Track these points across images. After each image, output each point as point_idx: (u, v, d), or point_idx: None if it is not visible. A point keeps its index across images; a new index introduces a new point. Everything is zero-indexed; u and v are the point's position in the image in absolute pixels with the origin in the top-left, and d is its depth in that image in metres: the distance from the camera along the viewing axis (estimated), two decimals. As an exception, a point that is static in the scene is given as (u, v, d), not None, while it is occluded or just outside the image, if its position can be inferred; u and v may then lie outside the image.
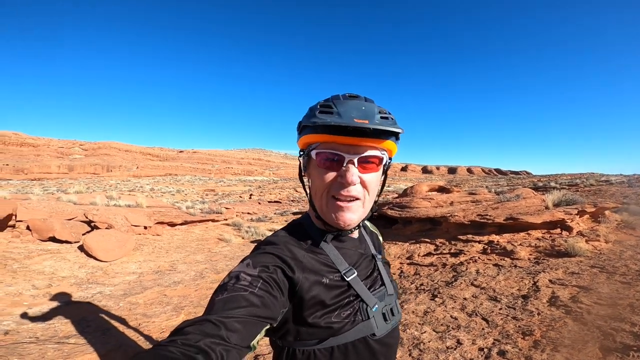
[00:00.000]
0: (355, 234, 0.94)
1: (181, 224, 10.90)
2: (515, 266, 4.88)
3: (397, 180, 67.15)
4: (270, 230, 12.94)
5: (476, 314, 3.51)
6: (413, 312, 3.88)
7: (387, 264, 1.05)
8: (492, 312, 3.50)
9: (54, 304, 4.34)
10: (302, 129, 0.81)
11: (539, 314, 3.27)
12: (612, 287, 3.62)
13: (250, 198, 42.56)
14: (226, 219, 13.55)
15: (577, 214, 6.32)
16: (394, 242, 7.14)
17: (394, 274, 5.70)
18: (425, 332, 3.30)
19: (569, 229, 5.92)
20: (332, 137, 0.75)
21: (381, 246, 1.12)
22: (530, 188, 16.65)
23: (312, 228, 0.87)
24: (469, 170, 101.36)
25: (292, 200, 37.48)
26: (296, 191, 50.59)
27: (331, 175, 0.78)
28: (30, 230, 6.59)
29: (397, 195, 11.97)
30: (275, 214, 24.23)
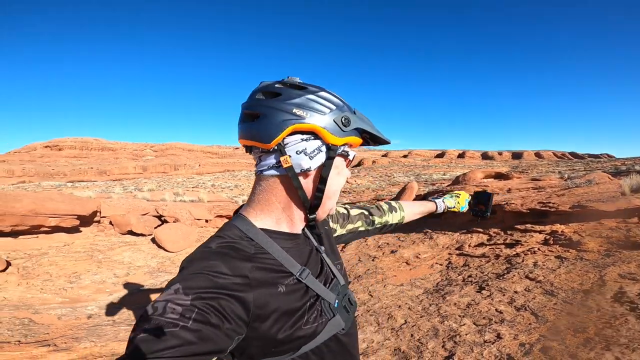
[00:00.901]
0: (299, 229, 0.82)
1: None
2: (582, 259, 4.44)
3: (453, 168, 63.44)
4: None
5: (525, 309, 3.30)
6: (455, 304, 3.76)
7: (333, 253, 0.92)
8: (545, 307, 3.27)
9: (130, 290, 5.04)
10: (348, 127, 0.74)
11: (598, 310, 2.99)
12: (697, 283, 3.14)
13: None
14: None
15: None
16: (442, 232, 6.90)
17: (441, 264, 5.54)
18: (464, 324, 3.19)
19: (650, 218, 5.17)
20: (361, 140, 0.80)
21: (329, 235, 0.97)
22: (610, 172, 14.65)
23: (253, 231, 0.72)
24: (538, 155, 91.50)
25: (342, 192, 37.42)
26: (347, 182, 50.34)
27: (347, 172, 0.82)
28: (112, 224, 7.63)
29: (448, 184, 11.44)
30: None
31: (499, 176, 9.53)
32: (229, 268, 0.62)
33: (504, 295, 3.75)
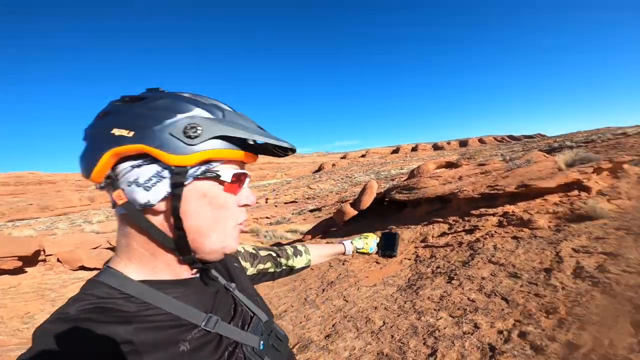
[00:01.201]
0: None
1: None
2: (535, 237, 4.56)
3: (408, 162, 66.21)
4: (289, 232, 13.01)
5: (495, 294, 3.28)
6: (429, 298, 3.70)
7: (248, 287, 0.79)
8: (513, 290, 3.26)
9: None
10: (199, 138, 0.53)
11: (563, 288, 2.99)
12: (641, 249, 3.28)
13: (266, 202, 43.00)
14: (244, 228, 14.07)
15: (593, 172, 5.90)
16: (406, 226, 6.93)
17: (409, 259, 5.51)
18: (440, 318, 3.14)
19: (587, 190, 5.51)
20: (241, 152, 0.59)
21: (238, 271, 0.84)
22: (545, 150, 15.98)
23: (129, 285, 0.56)
24: (481, 141, 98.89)
25: (307, 198, 37.56)
26: (310, 188, 50.66)
27: (237, 198, 0.63)
28: (60, 262, 7.23)
29: (405, 178, 11.65)
30: (292, 214, 24.37)
31: (450, 165, 9.87)
32: (98, 340, 0.46)
33: (472, 282, 3.73)
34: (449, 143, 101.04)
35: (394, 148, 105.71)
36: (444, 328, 2.92)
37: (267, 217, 23.20)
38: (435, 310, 3.34)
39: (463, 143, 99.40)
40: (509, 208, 5.63)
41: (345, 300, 4.40)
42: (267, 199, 46.54)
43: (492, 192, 5.88)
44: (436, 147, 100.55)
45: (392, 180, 33.87)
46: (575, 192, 5.57)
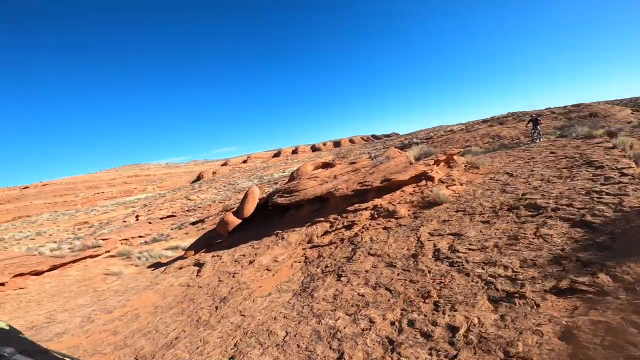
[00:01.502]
0: None
1: (50, 270, 9.07)
2: (400, 225, 5.07)
3: (290, 164, 68.25)
4: (168, 249, 11.35)
5: (379, 286, 3.44)
6: (323, 299, 3.64)
7: None
8: (392, 279, 3.47)
9: None
10: None
11: (429, 271, 3.33)
12: (476, 228, 3.97)
13: (137, 219, 36.96)
14: (109, 251, 11.71)
15: (434, 164, 7.08)
16: (292, 229, 6.86)
17: (299, 262, 5.39)
18: (339, 318, 3.10)
19: (431, 179, 6.55)
20: None
21: None
22: (399, 147, 18.95)
23: None
24: (351, 141, 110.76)
25: (187, 211, 33.98)
26: (189, 199, 46.12)
27: None
28: None
29: (285, 181, 11.65)
30: (172, 229, 21.40)
31: (326, 165, 10.37)
32: None
33: (358, 277, 3.84)
34: (325, 144, 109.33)
35: (275, 152, 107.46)
36: (344, 328, 2.89)
37: (141, 236, 19.85)
38: (332, 310, 3.30)
39: (337, 143, 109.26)
40: (378, 201, 6.17)
41: (242, 315, 4.02)
42: (137, 215, 40.08)
43: (362, 188, 6.33)
44: (314, 148, 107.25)
45: (276, 183, 34.10)
46: (424, 182, 6.54)
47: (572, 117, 20.27)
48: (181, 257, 8.63)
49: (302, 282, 4.55)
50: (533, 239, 3.25)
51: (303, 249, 5.92)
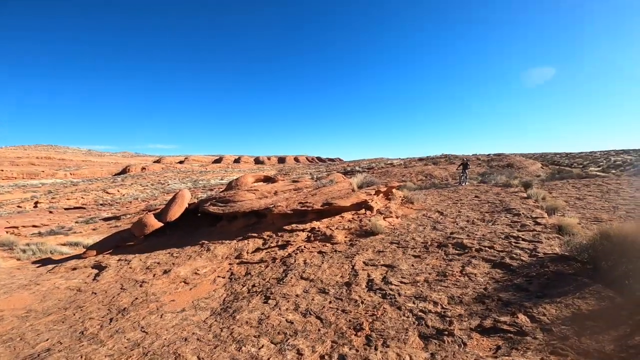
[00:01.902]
0: None
1: None
2: (336, 251, 4.96)
3: (230, 173, 65.61)
4: (66, 245, 9.54)
5: (310, 313, 3.19)
6: (247, 322, 3.23)
7: None
8: (324, 307, 3.26)
9: None
10: None
11: (362, 302, 3.21)
12: (408, 262, 4.04)
13: (36, 207, 31.38)
14: None
15: (375, 194, 7.28)
16: (220, 242, 6.29)
17: (224, 277, 4.90)
18: (262, 346, 2.75)
19: (371, 209, 6.68)
20: None
21: None
22: (342, 172, 19.54)
23: None
24: (296, 159, 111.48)
25: (100, 205, 29.97)
26: (107, 193, 41.05)
27: None
28: None
29: (223, 189, 10.96)
30: (77, 223, 18.46)
31: (268, 179, 10.05)
32: None
33: (288, 301, 3.54)
34: (269, 158, 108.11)
35: (217, 157, 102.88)
36: (268, 358, 2.56)
37: (35, 226, 16.77)
38: (255, 336, 2.93)
39: (281, 159, 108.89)
40: (316, 224, 6.04)
41: (144, 331, 3.37)
42: (36, 202, 34.10)
43: (302, 208, 6.16)
44: (258, 160, 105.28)
45: (211, 190, 32.26)
46: (363, 211, 6.64)
47: (492, 165, 23.16)
48: (78, 257, 7.35)
49: (224, 300, 4.09)
50: (460, 276, 3.38)
51: (230, 264, 5.43)
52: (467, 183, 12.64)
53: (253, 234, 6.22)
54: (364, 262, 4.30)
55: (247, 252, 5.71)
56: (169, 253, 6.33)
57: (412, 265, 3.88)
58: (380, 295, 3.28)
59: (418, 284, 3.37)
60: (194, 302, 4.10)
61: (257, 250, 5.74)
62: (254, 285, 4.34)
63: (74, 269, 6.32)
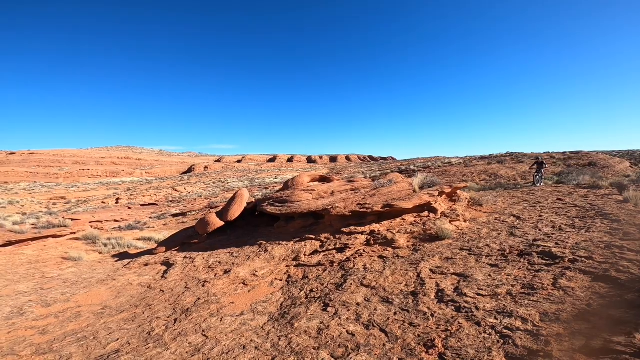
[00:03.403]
0: None
1: (3, 245, 8.28)
2: (398, 256, 4.68)
3: (284, 172, 67.80)
4: (140, 240, 10.59)
5: (373, 325, 2.99)
6: (305, 332, 3.13)
7: None
8: (388, 319, 3.04)
9: None
10: None
11: (432, 315, 2.92)
12: (484, 271, 3.62)
13: (117, 203, 35.89)
14: (74, 232, 10.72)
15: (438, 195, 6.79)
16: (277, 243, 6.31)
17: (281, 280, 4.89)
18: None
19: (434, 211, 6.24)
20: None
21: None
22: (395, 172, 18.88)
23: None
24: (348, 158, 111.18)
25: (170, 201, 33.09)
26: (175, 190, 45.16)
27: None
28: None
29: (278, 189, 11.23)
30: (151, 218, 20.59)
31: (323, 179, 10.03)
32: None
33: (348, 310, 3.37)
34: (321, 157, 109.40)
35: (271, 157, 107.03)
36: None
37: (116, 221, 18.98)
38: (315, 349, 2.80)
39: (333, 158, 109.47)
40: (375, 227, 5.80)
41: (204, 335, 3.41)
42: (117, 198, 38.92)
43: (361, 210, 5.97)
44: (310, 160, 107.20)
45: (266, 188, 33.57)
46: (426, 213, 6.22)
47: (570, 163, 20.48)
48: (150, 252, 7.97)
49: (281, 304, 4.05)
50: (552, 290, 2.92)
51: (287, 266, 5.41)
52: (541, 184, 11.29)
53: (310, 236, 6.17)
54: (430, 270, 3.97)
55: (305, 255, 5.65)
56: (229, 252, 6.53)
57: (490, 276, 3.47)
58: (453, 307, 2.96)
59: (499, 297, 2.98)
60: (252, 306, 4.11)
61: (315, 252, 5.65)
62: (311, 290, 4.23)
63: (146, 264, 6.85)
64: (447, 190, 7.13)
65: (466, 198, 7.60)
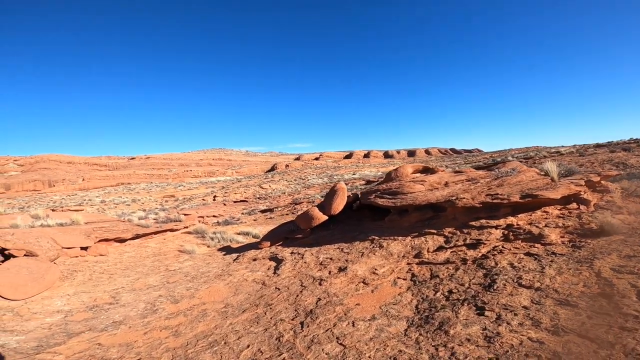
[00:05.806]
0: None
1: (132, 239, 9.39)
2: (554, 254, 4.09)
3: (361, 167, 67.53)
4: (240, 234, 11.60)
5: (564, 330, 2.58)
6: (468, 339, 2.82)
7: None
8: (583, 324, 2.61)
9: None
10: None
11: None
12: None
13: (214, 200, 40.62)
14: (187, 227, 12.01)
15: (585, 185, 5.78)
16: (392, 238, 6.03)
17: (405, 279, 4.61)
18: None
19: (585, 203, 5.33)
20: None
21: None
22: (486, 164, 16.94)
23: None
24: (427, 152, 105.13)
25: (258, 198, 35.92)
26: (262, 188, 48.87)
27: None
28: None
29: (378, 181, 11.07)
30: (242, 214, 22.66)
31: (426, 170, 9.51)
32: None
33: (516, 315, 3.00)
34: (398, 152, 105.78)
35: (347, 153, 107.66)
36: None
37: (215, 216, 21.34)
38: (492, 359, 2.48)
39: (411, 153, 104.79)
40: (512, 220, 5.20)
41: (341, 344, 3.15)
42: (215, 196, 43.96)
43: (494, 201, 5.42)
44: (387, 155, 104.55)
45: (346, 183, 33.80)
46: (574, 205, 5.34)
47: None
48: (254, 246, 8.32)
49: (416, 307, 3.73)
50: None
51: (408, 264, 5.11)
52: None
53: (431, 230, 5.81)
54: (612, 269, 3.34)
55: (428, 251, 5.29)
56: (339, 248, 6.44)
57: None
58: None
59: None
60: (382, 308, 3.85)
61: (440, 249, 5.27)
62: (450, 292, 3.88)
63: (254, 259, 7.11)
64: (595, 178, 6.04)
65: (617, 189, 6.33)
